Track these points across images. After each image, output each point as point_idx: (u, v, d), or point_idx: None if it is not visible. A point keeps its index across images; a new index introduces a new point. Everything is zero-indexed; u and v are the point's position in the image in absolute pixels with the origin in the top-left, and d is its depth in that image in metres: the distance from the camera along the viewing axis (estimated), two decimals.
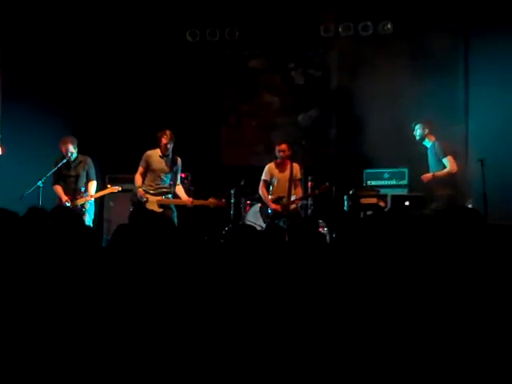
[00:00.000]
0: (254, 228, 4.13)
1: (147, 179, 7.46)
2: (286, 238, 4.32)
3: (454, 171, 7.19)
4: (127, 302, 2.79)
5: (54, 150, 7.79)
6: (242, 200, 8.60)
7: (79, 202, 7.37)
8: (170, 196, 7.49)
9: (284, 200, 7.76)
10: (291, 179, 7.77)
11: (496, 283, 2.76)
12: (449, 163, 7.17)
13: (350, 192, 7.74)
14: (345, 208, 7.78)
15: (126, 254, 3.37)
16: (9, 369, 2.48)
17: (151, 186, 7.43)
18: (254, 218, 8.14)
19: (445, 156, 7.19)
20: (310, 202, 8.03)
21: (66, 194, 7.43)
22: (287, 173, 7.80)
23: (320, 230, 7.81)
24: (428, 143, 7.40)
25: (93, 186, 7.53)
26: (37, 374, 2.49)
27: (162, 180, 7.46)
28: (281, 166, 7.88)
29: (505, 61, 7.83)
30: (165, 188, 7.45)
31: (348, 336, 2.64)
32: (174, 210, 7.48)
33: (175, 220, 7.30)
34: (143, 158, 7.49)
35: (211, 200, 7.36)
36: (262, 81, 9.84)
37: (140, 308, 2.76)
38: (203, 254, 3.71)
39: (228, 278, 3.09)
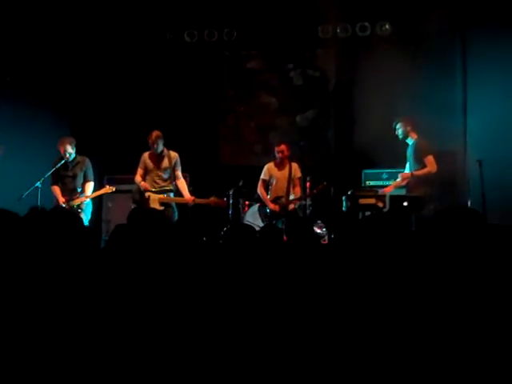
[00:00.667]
0: (253, 228, 4.14)
1: (147, 180, 7.51)
2: (285, 239, 4.32)
3: (434, 171, 7.20)
4: (125, 302, 2.79)
5: (52, 151, 7.79)
6: (241, 200, 8.61)
7: (75, 202, 7.39)
8: (171, 194, 7.53)
9: (282, 200, 7.78)
10: (290, 179, 7.80)
11: (495, 283, 2.76)
12: (429, 163, 7.18)
13: (349, 192, 7.74)
14: (343, 208, 7.78)
15: (124, 255, 3.37)
16: (9, 369, 2.48)
17: (152, 185, 7.47)
18: (252, 218, 8.14)
19: (426, 155, 7.21)
20: (308, 202, 8.03)
21: (63, 194, 7.45)
22: (286, 172, 7.84)
23: (318, 230, 7.83)
24: (410, 141, 7.43)
25: (90, 186, 7.53)
26: (37, 373, 2.49)
27: (161, 178, 7.51)
28: (280, 166, 7.92)
29: (503, 61, 7.84)
30: (166, 186, 7.49)
31: (346, 336, 2.64)
32: (175, 209, 7.51)
33: (175, 218, 7.34)
34: (140, 159, 7.56)
35: (212, 199, 7.41)
36: (260, 81, 9.84)
37: (138, 308, 2.76)
38: (202, 254, 3.72)
39: (227, 279, 3.09)
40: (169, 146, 7.64)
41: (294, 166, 7.89)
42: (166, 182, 7.51)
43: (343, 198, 7.86)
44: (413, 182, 7.27)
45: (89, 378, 2.54)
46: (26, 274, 2.77)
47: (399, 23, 8.78)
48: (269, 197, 7.89)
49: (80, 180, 7.49)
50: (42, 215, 3.37)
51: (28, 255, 2.93)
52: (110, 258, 3.37)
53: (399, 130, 7.47)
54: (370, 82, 8.80)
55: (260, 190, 7.94)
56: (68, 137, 7.55)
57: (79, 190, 7.47)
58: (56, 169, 7.43)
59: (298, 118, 9.74)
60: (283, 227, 7.26)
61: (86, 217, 7.42)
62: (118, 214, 7.75)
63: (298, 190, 7.88)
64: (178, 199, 7.55)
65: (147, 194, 7.40)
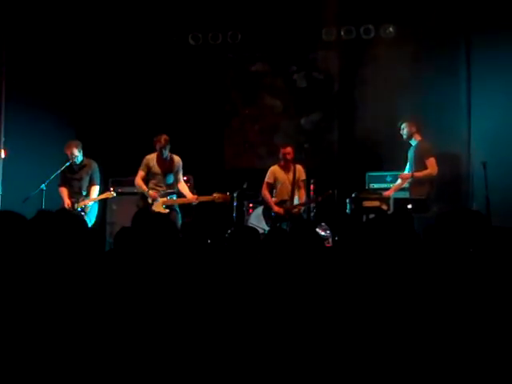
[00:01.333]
0: (257, 231, 4.15)
1: (150, 183, 7.51)
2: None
3: (434, 173, 7.21)
4: (130, 303, 2.80)
5: (58, 153, 7.83)
6: (245, 203, 8.62)
7: (79, 205, 7.43)
8: (174, 197, 7.55)
9: (287, 203, 7.77)
10: (294, 181, 7.79)
11: (499, 284, 2.77)
12: (430, 165, 7.19)
13: (353, 195, 7.74)
14: (347, 211, 7.77)
15: (128, 257, 3.38)
16: (12, 369, 2.49)
17: (155, 189, 7.47)
18: (256, 220, 8.15)
19: (428, 157, 7.21)
20: (312, 204, 8.05)
21: (69, 196, 7.51)
22: (290, 175, 7.83)
23: (322, 232, 7.82)
24: (414, 142, 7.44)
25: (95, 190, 7.58)
26: (40, 374, 2.50)
27: (164, 182, 7.52)
28: (284, 169, 7.90)
29: (507, 64, 7.82)
30: (169, 189, 7.50)
31: (351, 337, 2.65)
32: (179, 211, 7.52)
33: (180, 222, 7.35)
34: (143, 162, 7.56)
35: (215, 195, 7.41)
36: (264, 84, 9.85)
37: (143, 310, 2.77)
38: (206, 256, 3.72)
39: (231, 281, 3.10)
40: (173, 148, 7.66)
41: (299, 168, 7.88)
42: (169, 186, 7.53)
43: (347, 200, 7.86)
44: (414, 183, 7.27)
45: (92, 378, 2.55)
46: (30, 276, 2.78)
47: (403, 26, 8.77)
48: (273, 199, 7.88)
49: (86, 183, 7.56)
50: (49, 218, 3.39)
51: (33, 257, 2.95)
52: (114, 261, 3.38)
53: (404, 130, 7.48)
54: (373, 84, 8.81)
55: (264, 192, 7.93)
56: (75, 140, 7.60)
57: (84, 193, 7.53)
58: (63, 171, 7.48)
59: (302, 121, 9.74)
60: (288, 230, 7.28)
61: (90, 220, 7.45)
62: (123, 217, 7.77)
63: (302, 192, 7.87)
64: (182, 200, 7.56)
65: (157, 197, 7.41)
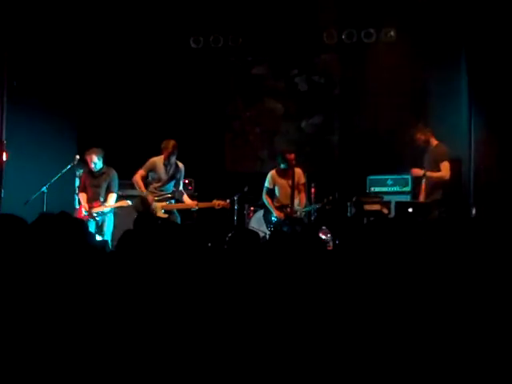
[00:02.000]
0: (257, 234, 4.15)
1: (151, 186, 7.52)
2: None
3: (446, 177, 7.20)
4: (131, 307, 2.80)
5: (59, 156, 7.86)
6: (246, 206, 8.62)
7: (95, 210, 7.52)
8: (173, 202, 7.55)
9: (288, 209, 7.74)
10: (293, 185, 7.77)
11: (498, 289, 2.77)
12: (444, 168, 7.18)
13: (354, 198, 7.75)
14: (348, 214, 7.78)
15: (130, 260, 3.38)
16: (15, 370, 2.49)
17: (155, 192, 7.47)
18: (257, 224, 8.15)
19: (443, 160, 7.20)
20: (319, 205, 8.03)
21: (88, 202, 7.61)
22: (290, 179, 7.79)
23: (323, 236, 7.82)
24: (431, 147, 7.39)
25: (112, 197, 7.67)
26: (43, 375, 2.51)
27: (165, 187, 7.51)
28: (283, 173, 7.86)
29: (505, 69, 7.80)
30: (168, 194, 7.50)
31: (351, 341, 2.65)
32: (178, 215, 7.52)
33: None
34: (148, 163, 7.54)
35: (215, 201, 7.41)
36: (265, 87, 9.86)
37: (144, 314, 2.77)
38: (207, 259, 3.72)
39: (231, 284, 3.10)
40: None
41: (298, 171, 7.84)
42: (169, 190, 7.54)
43: (348, 203, 7.87)
44: (430, 186, 7.21)
45: (94, 379, 2.55)
46: (31, 279, 2.79)
47: (404, 30, 8.78)
48: (275, 204, 7.86)
49: (104, 190, 7.64)
50: (51, 221, 3.39)
51: (34, 260, 2.95)
52: (117, 263, 3.38)
53: (420, 140, 7.41)
54: (374, 88, 8.83)
55: (265, 197, 7.91)
56: (96, 148, 7.65)
57: (102, 199, 7.61)
58: (83, 177, 7.71)
59: (303, 124, 9.75)
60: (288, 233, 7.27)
61: (107, 229, 7.58)
62: (125, 220, 7.75)
63: (302, 196, 7.84)
64: (181, 205, 7.56)
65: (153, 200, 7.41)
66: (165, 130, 8.86)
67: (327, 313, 2.79)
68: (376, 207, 7.52)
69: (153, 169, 7.50)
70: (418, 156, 7.69)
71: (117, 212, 7.77)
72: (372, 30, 9.00)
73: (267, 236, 7.20)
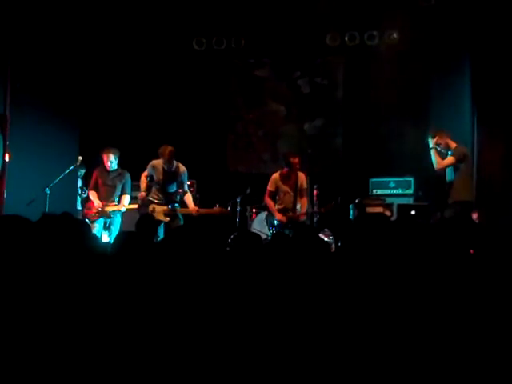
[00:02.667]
0: (259, 236, 4.14)
1: (153, 190, 7.51)
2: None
3: (438, 167, 7.04)
4: (132, 308, 2.80)
5: (62, 158, 7.86)
6: (248, 208, 8.61)
7: (110, 208, 7.61)
8: (176, 205, 7.53)
9: (290, 213, 7.70)
10: (296, 189, 7.73)
11: (501, 291, 2.76)
12: (447, 160, 7.04)
13: (356, 201, 7.73)
14: (350, 217, 7.76)
15: (131, 262, 3.38)
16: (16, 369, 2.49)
17: (157, 196, 7.47)
18: (259, 226, 8.14)
19: (452, 155, 7.05)
20: (315, 210, 8.02)
21: (99, 199, 7.67)
22: (293, 184, 7.74)
23: (325, 238, 7.81)
24: (451, 151, 7.28)
25: (126, 198, 7.75)
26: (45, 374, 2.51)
27: (167, 190, 7.49)
28: (286, 177, 7.81)
29: (508, 72, 7.79)
30: (171, 197, 7.49)
31: (352, 342, 2.65)
32: (181, 218, 7.51)
33: None
34: (148, 167, 7.56)
35: (216, 208, 7.41)
36: (268, 89, 9.87)
37: (144, 316, 2.77)
38: (208, 261, 3.72)
39: (233, 286, 3.10)
40: (177, 153, 7.65)
41: (301, 176, 7.78)
42: (170, 194, 7.53)
43: (350, 206, 7.86)
44: (454, 187, 7.08)
45: (96, 380, 2.55)
46: (35, 279, 2.79)
47: (407, 32, 8.77)
48: (277, 207, 7.82)
49: (117, 191, 7.72)
50: (53, 222, 3.39)
51: (37, 261, 2.95)
52: (117, 265, 3.38)
53: (439, 146, 7.25)
54: (377, 90, 8.83)
55: (267, 200, 7.87)
56: (113, 147, 7.75)
57: (116, 199, 7.71)
58: (94, 177, 7.72)
59: (305, 126, 9.75)
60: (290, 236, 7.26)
61: (114, 228, 7.61)
62: (127, 222, 7.76)
63: (304, 201, 7.76)
64: (182, 210, 7.54)
65: (152, 207, 7.41)
66: (167, 132, 8.88)
67: (329, 315, 2.79)
68: (378, 209, 7.51)
69: (152, 172, 7.51)
70: (420, 159, 7.67)
71: (124, 212, 7.82)
72: (375, 33, 9.00)
73: (269, 238, 7.19)
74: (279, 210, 7.74)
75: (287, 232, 7.43)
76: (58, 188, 7.57)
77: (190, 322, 2.77)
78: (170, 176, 7.49)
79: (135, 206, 7.67)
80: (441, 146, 7.19)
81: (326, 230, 7.96)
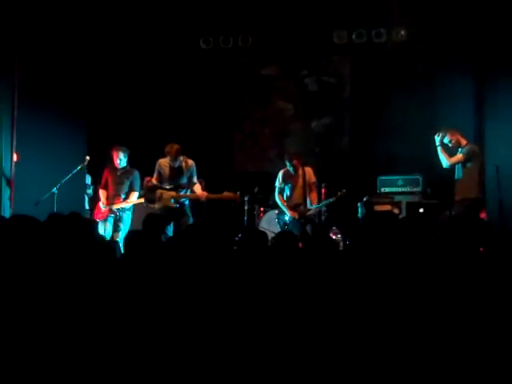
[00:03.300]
0: (266, 235, 4.13)
1: (163, 184, 7.56)
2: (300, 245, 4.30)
3: (448, 163, 7.03)
4: (139, 305, 2.80)
5: (69, 157, 7.88)
6: (256, 207, 8.61)
7: (115, 206, 7.65)
8: (184, 191, 7.52)
9: (301, 207, 7.72)
10: (305, 184, 7.74)
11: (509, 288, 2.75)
12: (456, 157, 7.03)
13: (364, 199, 7.71)
14: (359, 215, 7.74)
15: (138, 260, 3.38)
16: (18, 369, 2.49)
17: (167, 187, 7.53)
18: (267, 224, 8.13)
19: (462, 153, 7.02)
20: (323, 208, 8.01)
21: (107, 198, 7.74)
22: (300, 179, 7.77)
23: (334, 236, 7.80)
24: (461, 148, 7.24)
25: (134, 195, 7.77)
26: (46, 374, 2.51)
27: (173, 185, 7.52)
28: (293, 173, 7.85)
29: None
30: (180, 185, 7.51)
31: (360, 340, 2.63)
32: (190, 215, 7.51)
33: None
34: (156, 166, 7.59)
35: (225, 193, 7.37)
36: (275, 88, 9.85)
37: (151, 313, 2.77)
38: (216, 260, 3.71)
39: (241, 284, 3.09)
40: (184, 152, 7.66)
41: (308, 170, 7.82)
42: (179, 185, 7.56)
43: (359, 204, 7.83)
44: (461, 185, 7.06)
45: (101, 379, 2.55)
46: (42, 277, 2.79)
47: (415, 29, 8.73)
48: (287, 204, 7.84)
49: (126, 188, 7.75)
50: (60, 222, 3.39)
51: (45, 259, 2.96)
52: (123, 264, 3.38)
53: (450, 143, 7.22)
54: (384, 88, 8.79)
55: (278, 197, 7.90)
56: (123, 146, 7.82)
57: (123, 196, 7.72)
58: (104, 175, 7.80)
59: (313, 125, 9.73)
60: (298, 233, 7.26)
61: (124, 226, 7.62)
62: (135, 219, 7.77)
63: (314, 195, 7.80)
64: (191, 195, 7.52)
65: (159, 192, 7.43)
66: (175, 131, 8.87)
67: (337, 312, 2.78)
68: (387, 207, 7.49)
69: (160, 171, 7.56)
70: (427, 157, 7.64)
71: (134, 209, 7.84)
72: (382, 30, 8.95)
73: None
74: (290, 207, 7.76)
75: (296, 229, 7.43)
76: (66, 188, 7.58)
77: (197, 320, 2.77)
78: (178, 171, 7.52)
79: (142, 200, 7.68)
80: (452, 142, 7.17)
81: (334, 228, 7.95)
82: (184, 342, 2.67)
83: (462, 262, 3.14)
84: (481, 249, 3.35)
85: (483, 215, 7.07)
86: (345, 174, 9.02)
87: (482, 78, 8.07)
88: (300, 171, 7.76)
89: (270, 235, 4.80)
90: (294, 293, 2.95)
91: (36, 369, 2.52)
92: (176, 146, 7.39)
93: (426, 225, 4.20)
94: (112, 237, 7.55)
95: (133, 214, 7.83)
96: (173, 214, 7.36)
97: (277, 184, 7.92)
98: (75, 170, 7.57)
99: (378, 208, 7.54)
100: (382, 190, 8.52)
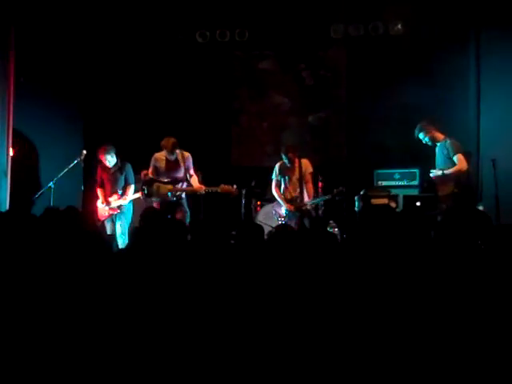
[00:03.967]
0: (262, 228, 4.14)
1: (159, 178, 7.57)
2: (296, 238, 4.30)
3: (464, 169, 7.08)
4: (138, 302, 2.80)
5: (66, 152, 7.87)
6: (253, 201, 8.61)
7: (113, 203, 7.65)
8: (181, 184, 7.54)
9: (298, 200, 7.73)
10: (301, 177, 7.74)
11: (506, 282, 2.75)
12: (459, 161, 7.07)
13: (361, 192, 7.71)
14: (356, 208, 7.75)
15: (137, 256, 3.38)
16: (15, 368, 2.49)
17: (159, 182, 7.54)
18: (264, 218, 8.13)
19: (455, 154, 7.09)
20: (321, 202, 8.01)
21: (105, 197, 7.74)
22: (297, 171, 7.76)
23: (331, 230, 7.80)
24: (439, 143, 7.31)
25: (131, 189, 7.78)
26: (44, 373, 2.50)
27: (173, 177, 7.54)
28: (290, 166, 7.86)
29: None
30: (177, 179, 7.52)
31: (357, 337, 2.64)
32: (188, 210, 7.52)
33: (188, 220, 7.35)
34: (151, 161, 7.61)
35: (222, 186, 7.39)
36: (272, 81, 9.83)
37: (149, 310, 2.77)
38: (213, 254, 3.71)
39: (238, 279, 3.09)
40: (181, 146, 7.65)
41: (305, 162, 7.81)
42: (176, 178, 7.57)
43: (356, 197, 7.84)
44: (440, 181, 7.13)
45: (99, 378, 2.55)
46: (39, 272, 2.79)
47: (412, 23, 8.72)
48: (283, 196, 7.85)
49: (121, 183, 7.75)
50: (56, 216, 3.39)
51: (41, 254, 2.95)
52: (123, 259, 3.38)
53: (426, 138, 7.29)
54: (381, 81, 8.78)
55: (275, 190, 7.91)
56: (107, 145, 7.72)
57: (120, 192, 7.73)
58: (99, 173, 7.78)
59: (310, 118, 9.72)
60: (295, 225, 7.27)
61: (126, 221, 7.66)
62: (136, 213, 7.78)
63: (310, 186, 7.79)
64: (189, 189, 7.54)
65: (156, 185, 7.45)
66: (171, 125, 8.86)
67: (334, 306, 2.78)
68: (383, 201, 7.49)
69: (156, 165, 7.56)
70: (424, 150, 7.64)
71: (134, 203, 7.85)
72: (379, 24, 8.94)
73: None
74: (287, 200, 7.77)
75: (292, 222, 7.43)
76: (63, 182, 7.58)
77: (195, 316, 2.77)
78: (174, 164, 7.53)
79: (139, 195, 7.68)
80: (428, 139, 7.23)
81: (331, 221, 7.96)
82: (182, 335, 2.67)
83: (460, 255, 3.15)
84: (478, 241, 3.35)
85: (481, 207, 7.10)
86: (342, 168, 9.03)
87: (479, 72, 8.07)
88: (296, 163, 7.76)
89: (267, 229, 4.80)
90: (292, 286, 2.95)
91: (29, 361, 2.51)
92: (172, 140, 7.41)
93: (423, 218, 4.21)
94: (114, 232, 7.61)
95: (133, 207, 7.83)
96: (170, 207, 7.37)
97: (273, 177, 7.93)
98: (72, 165, 7.56)
99: (375, 201, 7.54)
100: (379, 183, 8.54)
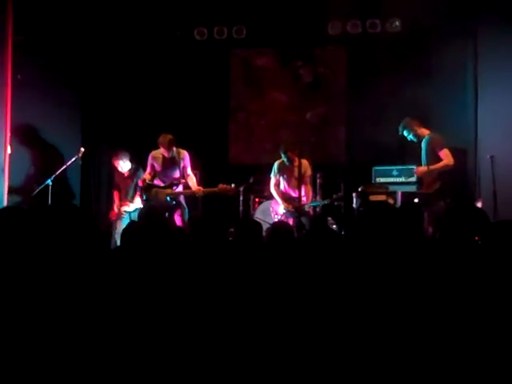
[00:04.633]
0: (261, 224, 4.14)
1: (156, 178, 7.58)
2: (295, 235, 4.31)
3: (451, 164, 7.09)
4: (135, 300, 2.79)
5: (63, 150, 7.88)
6: (251, 197, 8.62)
7: (122, 209, 7.76)
8: (180, 187, 7.56)
9: (296, 199, 7.73)
10: (300, 177, 7.75)
11: (505, 279, 2.75)
12: (446, 156, 7.08)
13: (359, 189, 7.71)
14: (354, 205, 7.75)
15: (134, 254, 3.37)
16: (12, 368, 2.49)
17: (161, 182, 7.54)
18: (262, 215, 8.14)
19: (441, 149, 7.12)
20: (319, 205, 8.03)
21: (120, 200, 7.88)
22: (296, 171, 7.77)
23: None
24: (423, 138, 7.33)
25: (138, 198, 7.81)
26: (42, 373, 2.50)
27: (170, 176, 7.55)
28: (289, 165, 7.87)
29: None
30: (174, 181, 7.53)
31: (356, 334, 2.64)
32: (186, 206, 7.54)
33: (186, 217, 7.37)
34: (148, 159, 7.63)
35: (220, 186, 7.41)
36: (269, 79, 9.82)
37: (146, 308, 2.76)
38: (211, 251, 3.71)
39: (237, 276, 3.09)
40: (178, 143, 7.65)
41: (304, 163, 7.83)
42: (174, 178, 7.57)
43: (353, 194, 7.84)
44: (429, 178, 7.16)
45: (95, 378, 2.55)
46: (36, 271, 2.78)
47: (409, 20, 8.71)
48: (281, 195, 7.87)
49: (132, 189, 7.84)
50: (55, 213, 3.38)
51: (38, 252, 2.95)
52: (120, 256, 3.37)
53: (410, 135, 7.35)
54: (379, 78, 8.78)
55: (274, 188, 7.92)
56: (121, 152, 7.86)
57: (130, 198, 7.84)
58: (115, 177, 7.96)
59: (308, 115, 9.71)
60: (294, 224, 7.27)
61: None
62: None
63: (308, 188, 7.83)
64: (186, 191, 7.56)
65: (154, 190, 7.45)
66: (168, 122, 8.84)
67: (334, 304, 2.78)
68: (382, 198, 7.49)
69: (153, 163, 7.59)
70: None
71: None
72: (377, 21, 8.94)
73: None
74: (285, 199, 7.78)
75: (291, 221, 7.44)
76: (60, 179, 7.58)
77: (193, 314, 2.77)
78: (171, 162, 7.53)
79: (140, 205, 7.70)
80: (412, 135, 7.26)
81: (329, 218, 7.97)
82: (180, 332, 2.67)
83: (458, 252, 3.15)
84: (476, 238, 3.35)
85: (479, 204, 7.12)
86: (340, 165, 9.03)
87: (477, 69, 8.08)
88: (295, 162, 7.78)
89: (265, 226, 4.81)
90: (290, 283, 2.95)
91: (26, 359, 2.51)
92: (169, 137, 7.42)
93: (421, 215, 4.21)
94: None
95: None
96: (169, 211, 7.41)
97: (272, 175, 7.95)
98: (70, 162, 7.56)
99: (373, 198, 7.54)
100: (377, 180, 8.52)
